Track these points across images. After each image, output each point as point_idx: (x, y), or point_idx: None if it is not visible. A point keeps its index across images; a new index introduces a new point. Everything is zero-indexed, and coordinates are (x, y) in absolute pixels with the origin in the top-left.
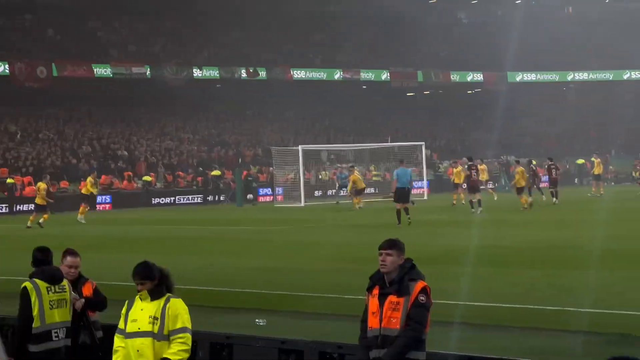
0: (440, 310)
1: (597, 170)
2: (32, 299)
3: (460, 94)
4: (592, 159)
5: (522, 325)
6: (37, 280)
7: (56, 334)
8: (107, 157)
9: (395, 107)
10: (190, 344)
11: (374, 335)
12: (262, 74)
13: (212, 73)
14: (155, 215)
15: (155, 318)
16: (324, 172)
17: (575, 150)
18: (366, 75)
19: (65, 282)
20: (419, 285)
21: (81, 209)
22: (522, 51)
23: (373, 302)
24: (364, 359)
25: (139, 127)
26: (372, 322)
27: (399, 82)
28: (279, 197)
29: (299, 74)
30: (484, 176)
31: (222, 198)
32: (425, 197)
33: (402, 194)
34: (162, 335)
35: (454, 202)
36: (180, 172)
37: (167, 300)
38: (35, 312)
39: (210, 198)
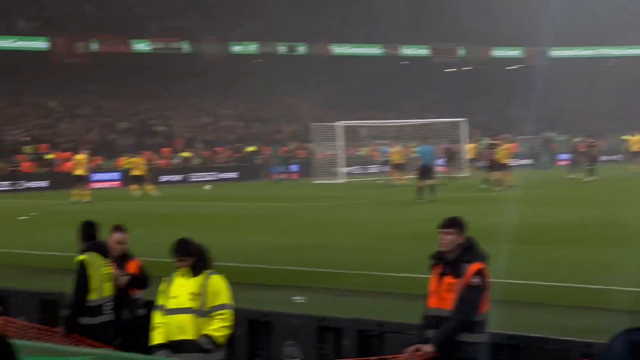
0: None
1: (636, 147)
2: (91, 272)
3: (500, 69)
4: (627, 137)
5: (565, 304)
6: (93, 254)
7: (107, 307)
8: (144, 133)
9: (436, 83)
10: (231, 320)
11: (432, 314)
12: (301, 49)
13: (251, 48)
14: (192, 192)
15: (195, 294)
16: (363, 149)
17: (618, 126)
18: (406, 50)
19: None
20: (474, 267)
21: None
22: (563, 26)
23: (434, 281)
24: (420, 337)
25: (176, 103)
26: (431, 301)
27: (439, 57)
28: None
29: (338, 49)
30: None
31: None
32: (467, 174)
33: (425, 171)
34: (203, 311)
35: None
36: (218, 148)
37: (208, 277)
38: (94, 285)
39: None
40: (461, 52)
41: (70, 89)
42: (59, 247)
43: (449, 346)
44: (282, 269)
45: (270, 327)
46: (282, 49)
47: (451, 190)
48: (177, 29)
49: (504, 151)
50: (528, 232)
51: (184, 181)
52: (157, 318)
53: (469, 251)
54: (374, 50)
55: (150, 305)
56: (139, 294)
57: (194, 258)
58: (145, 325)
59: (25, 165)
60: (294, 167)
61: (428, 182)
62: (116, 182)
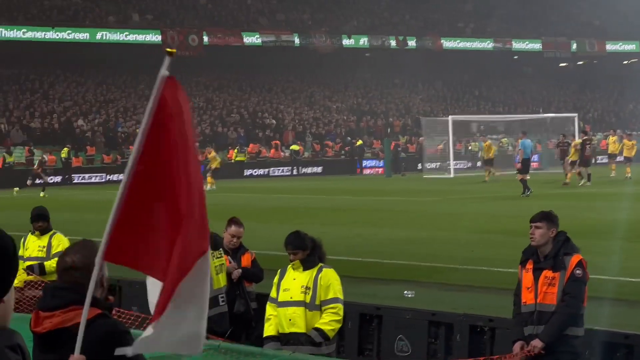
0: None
1: None
2: None
3: (615, 64)
4: None
5: None
6: None
7: (222, 299)
8: (255, 125)
9: (548, 77)
10: (342, 314)
11: (529, 311)
12: (412, 43)
13: (362, 41)
14: (302, 185)
15: (307, 288)
16: (473, 143)
17: None
18: (518, 44)
19: (221, 249)
20: (575, 258)
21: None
22: None
23: (527, 277)
24: (518, 335)
25: (286, 96)
26: (527, 297)
27: (552, 52)
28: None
29: (449, 43)
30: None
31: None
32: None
33: (527, 165)
34: (314, 305)
35: (613, 173)
36: (328, 142)
37: (320, 270)
38: None
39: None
40: (574, 46)
41: (182, 82)
42: None
43: (557, 340)
44: (393, 263)
45: (381, 321)
46: (392, 42)
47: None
48: (288, 22)
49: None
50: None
51: (292, 174)
52: (269, 310)
53: (565, 244)
54: (485, 44)
55: (263, 298)
56: (252, 287)
57: (307, 251)
58: (257, 318)
59: None
60: (378, 163)
61: (527, 176)
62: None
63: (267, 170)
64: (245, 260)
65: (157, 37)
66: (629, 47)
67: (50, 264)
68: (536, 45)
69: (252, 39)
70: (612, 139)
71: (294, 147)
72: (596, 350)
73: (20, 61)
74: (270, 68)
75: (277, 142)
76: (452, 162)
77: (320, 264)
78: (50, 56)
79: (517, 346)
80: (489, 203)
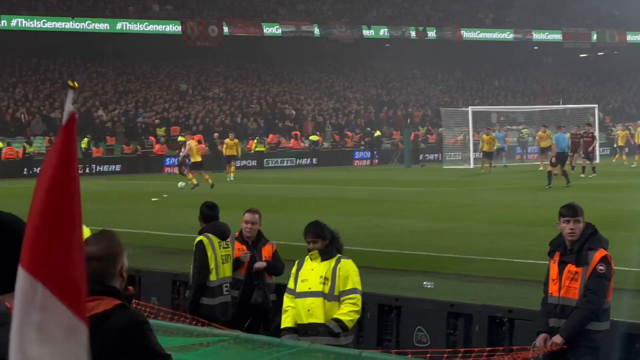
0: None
1: None
2: (209, 253)
3: (636, 54)
4: None
5: None
6: (210, 235)
7: (226, 288)
8: (274, 116)
9: (567, 68)
10: (360, 305)
11: (553, 303)
12: (432, 33)
13: (382, 32)
14: (321, 175)
15: (325, 278)
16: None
17: None
18: (538, 35)
19: (229, 239)
20: (599, 254)
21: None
22: None
23: (553, 268)
24: (543, 326)
25: (306, 86)
26: (552, 289)
27: (572, 42)
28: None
29: (469, 34)
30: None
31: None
32: (597, 160)
33: (561, 158)
34: (332, 295)
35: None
36: (348, 132)
37: (338, 261)
38: (212, 265)
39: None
40: (595, 36)
41: (202, 72)
42: (188, 228)
43: (577, 335)
44: (413, 254)
45: (400, 312)
46: (412, 33)
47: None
48: (308, 13)
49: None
50: None
51: (312, 164)
52: (287, 302)
53: (591, 237)
54: (505, 35)
55: (282, 289)
56: (272, 279)
57: (326, 241)
58: (276, 309)
59: (157, 148)
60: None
61: (560, 168)
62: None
63: (286, 160)
64: (266, 251)
65: (177, 28)
66: None
67: None
68: (556, 36)
69: (272, 29)
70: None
71: (314, 137)
72: (616, 342)
73: (40, 51)
74: (290, 58)
75: (297, 132)
76: (471, 153)
77: (338, 255)
78: (70, 46)
79: (540, 339)
80: (509, 194)
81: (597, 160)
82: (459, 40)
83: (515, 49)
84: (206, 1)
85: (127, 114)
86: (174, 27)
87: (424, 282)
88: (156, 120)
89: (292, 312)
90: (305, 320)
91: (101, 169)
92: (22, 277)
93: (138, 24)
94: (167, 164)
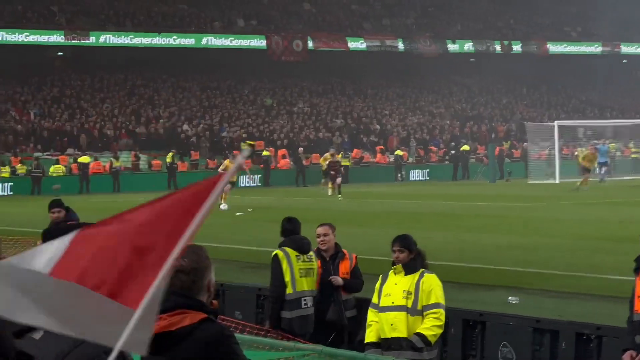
0: None
1: None
2: (284, 267)
3: None
4: None
5: None
6: (287, 249)
7: (305, 302)
8: (359, 130)
9: None
10: (443, 320)
11: (639, 319)
12: (517, 47)
13: (467, 46)
14: (406, 190)
15: (409, 292)
16: (580, 149)
17: None
18: (627, 48)
19: (312, 253)
20: None
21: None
22: None
23: (639, 285)
24: (629, 344)
25: (390, 101)
26: (638, 306)
27: None
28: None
29: (555, 47)
30: None
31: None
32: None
33: None
34: (415, 309)
35: None
36: (432, 147)
37: (422, 275)
38: (287, 278)
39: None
40: None
41: (286, 86)
42: (271, 242)
43: None
44: (497, 269)
45: (485, 328)
46: (497, 47)
47: None
48: (393, 27)
49: None
50: None
51: (396, 180)
52: (371, 316)
53: None
54: (593, 48)
55: (365, 303)
56: (351, 296)
57: (412, 254)
58: (355, 324)
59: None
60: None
61: None
62: None
63: (371, 174)
64: (344, 267)
65: (261, 42)
66: None
67: None
68: None
69: (356, 44)
70: None
71: (399, 152)
72: None
73: (127, 67)
74: (375, 73)
75: (382, 147)
76: (557, 168)
77: (422, 269)
78: (156, 62)
79: (626, 356)
80: (596, 209)
81: None
82: (544, 54)
83: (603, 63)
84: (291, 16)
85: (211, 128)
86: (258, 42)
87: (509, 298)
88: (243, 134)
89: (376, 326)
90: (389, 334)
91: (187, 183)
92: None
93: (223, 38)
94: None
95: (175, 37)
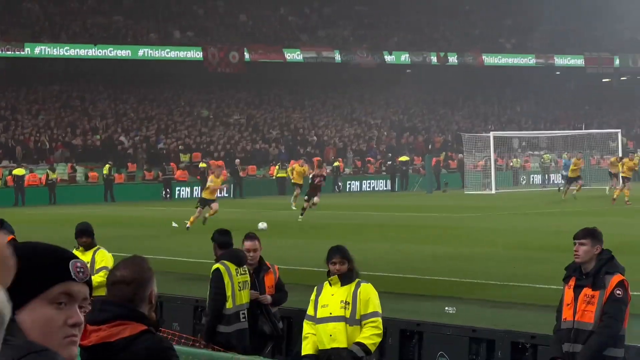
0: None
1: None
2: (226, 281)
3: None
4: None
5: None
6: (227, 262)
7: (243, 315)
8: (295, 142)
9: (590, 93)
10: (381, 328)
11: (567, 327)
12: (453, 59)
13: (403, 58)
14: (343, 201)
15: (346, 303)
16: (515, 160)
17: None
18: (560, 60)
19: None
20: (616, 278)
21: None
22: None
23: (568, 293)
24: (556, 352)
25: (327, 113)
26: (566, 314)
27: (595, 67)
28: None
29: (490, 59)
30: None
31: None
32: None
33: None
34: (354, 319)
35: None
36: (370, 158)
37: (358, 285)
38: (228, 293)
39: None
40: (617, 61)
41: (223, 98)
42: (207, 254)
43: None
44: (434, 279)
45: (422, 338)
46: (433, 58)
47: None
48: (329, 39)
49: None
50: None
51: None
52: (307, 329)
53: (608, 262)
54: (527, 60)
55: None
56: (276, 309)
57: (351, 265)
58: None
59: (179, 174)
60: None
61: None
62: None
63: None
64: (269, 280)
65: (198, 54)
66: None
67: (94, 279)
68: (578, 61)
69: (293, 55)
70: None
71: (336, 163)
72: None
73: (62, 79)
74: (312, 84)
75: (318, 158)
76: (493, 179)
77: (357, 279)
78: (92, 73)
79: None
80: (530, 219)
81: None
82: (480, 66)
83: (537, 74)
84: (227, 27)
85: (148, 140)
86: (195, 54)
87: (446, 308)
88: (180, 146)
89: (313, 338)
90: (328, 345)
91: (123, 195)
92: None
93: (159, 50)
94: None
95: (111, 48)
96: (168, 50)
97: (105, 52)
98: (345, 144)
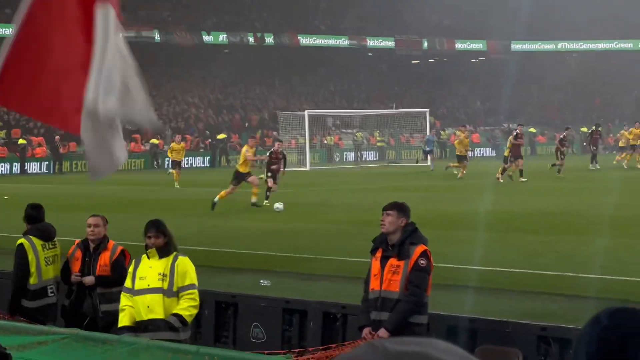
0: (441, 273)
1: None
2: (30, 257)
3: (465, 62)
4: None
5: (522, 289)
6: (33, 238)
7: (51, 290)
8: None
9: (401, 74)
10: (198, 300)
11: (374, 297)
12: (269, 40)
13: (221, 38)
14: (163, 177)
15: (164, 275)
16: (329, 137)
17: (578, 118)
18: (372, 42)
19: (56, 239)
20: (420, 248)
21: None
22: (528, 20)
23: (375, 264)
24: (365, 321)
25: (147, 91)
26: (374, 284)
27: (404, 49)
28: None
29: (305, 40)
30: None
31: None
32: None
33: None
34: (171, 291)
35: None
36: (188, 136)
37: (175, 258)
38: (32, 269)
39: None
40: (425, 44)
41: None
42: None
43: (401, 328)
44: (250, 253)
45: (237, 309)
46: (250, 39)
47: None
48: (149, 18)
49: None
50: (487, 220)
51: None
52: (124, 300)
53: (413, 234)
54: (341, 41)
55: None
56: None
57: (166, 238)
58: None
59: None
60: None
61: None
62: None
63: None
64: (103, 259)
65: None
66: (477, 46)
67: None
68: (389, 43)
69: None
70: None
71: (154, 140)
72: (441, 335)
73: None
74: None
75: (137, 135)
76: (307, 156)
77: (175, 252)
78: None
79: (365, 332)
80: (343, 195)
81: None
82: (296, 46)
83: (350, 55)
84: None
85: None
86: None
87: (261, 280)
88: None
89: (130, 310)
90: (145, 316)
91: None
92: None
93: None
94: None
95: None
96: None
97: None
98: (164, 121)
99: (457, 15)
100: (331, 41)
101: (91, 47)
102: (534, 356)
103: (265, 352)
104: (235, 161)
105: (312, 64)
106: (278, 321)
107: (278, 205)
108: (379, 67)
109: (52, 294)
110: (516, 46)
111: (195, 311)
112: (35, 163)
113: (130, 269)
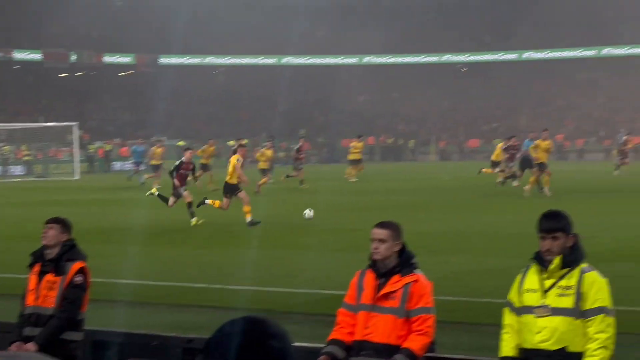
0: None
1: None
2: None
3: (113, 75)
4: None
5: (170, 302)
6: None
7: None
8: None
9: (48, 87)
10: None
11: (29, 312)
12: None
13: None
14: None
15: None
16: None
17: (226, 132)
18: (19, 54)
19: None
20: (77, 265)
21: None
22: (176, 34)
23: (33, 279)
24: (17, 336)
25: None
26: (29, 299)
27: (52, 62)
28: None
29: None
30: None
31: None
32: (77, 177)
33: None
34: None
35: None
36: None
37: None
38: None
39: None
40: (73, 57)
41: None
42: None
43: (52, 344)
44: None
45: None
46: None
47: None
48: None
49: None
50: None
51: None
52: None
53: (70, 250)
54: None
55: None
56: None
57: None
58: None
59: None
60: None
61: None
62: None
63: None
64: None
65: None
66: (126, 59)
67: None
68: (37, 56)
69: None
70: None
71: None
72: (88, 350)
73: None
74: None
75: None
76: None
77: None
78: None
79: (13, 346)
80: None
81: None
82: None
83: None
84: None
85: None
86: None
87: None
88: None
89: None
90: None
91: None
92: None
93: None
94: None
95: None
96: None
97: None
98: None
99: (106, 28)
100: None
101: None
102: None
103: None
104: None
105: None
106: None
107: (308, 212)
108: (26, 80)
109: None
110: (164, 60)
111: None
112: None
113: None
